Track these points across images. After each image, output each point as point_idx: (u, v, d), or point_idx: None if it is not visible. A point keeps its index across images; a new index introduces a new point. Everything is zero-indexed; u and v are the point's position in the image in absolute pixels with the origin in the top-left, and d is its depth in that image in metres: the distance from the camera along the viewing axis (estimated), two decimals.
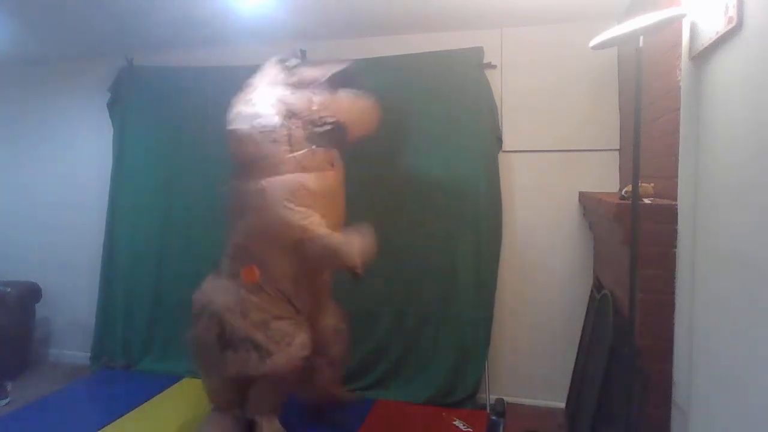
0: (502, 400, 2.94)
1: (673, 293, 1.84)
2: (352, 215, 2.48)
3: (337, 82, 2.44)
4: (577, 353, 2.82)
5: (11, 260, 3.92)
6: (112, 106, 3.62)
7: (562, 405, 2.91)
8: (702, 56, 1.62)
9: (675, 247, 1.83)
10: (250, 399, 2.38)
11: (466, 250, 3.01)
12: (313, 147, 2.29)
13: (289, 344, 2.24)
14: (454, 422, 2.70)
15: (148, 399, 2.99)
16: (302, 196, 2.22)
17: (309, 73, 2.45)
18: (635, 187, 1.74)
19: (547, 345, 3.06)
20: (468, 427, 2.66)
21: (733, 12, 1.35)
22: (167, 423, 2.75)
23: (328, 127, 2.32)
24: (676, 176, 1.83)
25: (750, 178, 1.30)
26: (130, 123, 3.58)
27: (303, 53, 3.20)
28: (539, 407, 3.04)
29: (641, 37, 1.67)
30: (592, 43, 1.81)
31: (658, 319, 1.86)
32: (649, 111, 2.14)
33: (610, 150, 2.92)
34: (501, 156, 3.06)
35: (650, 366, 1.85)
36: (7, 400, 3.16)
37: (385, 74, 3.11)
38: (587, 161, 2.96)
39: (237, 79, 2.45)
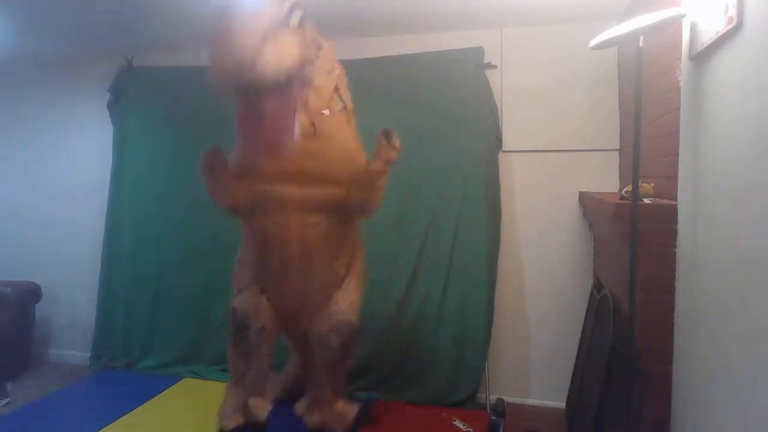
0: (502, 400, 2.94)
1: (673, 293, 1.84)
2: None
3: None
4: (577, 353, 2.82)
5: (11, 260, 3.92)
6: (112, 106, 3.62)
7: (562, 405, 2.91)
8: (702, 56, 1.62)
9: (675, 247, 1.83)
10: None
11: (465, 249, 3.01)
12: None
13: None
14: (454, 422, 2.70)
15: (148, 399, 2.99)
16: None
17: None
18: (635, 187, 1.74)
19: (547, 345, 3.06)
20: (468, 427, 2.66)
21: (733, 12, 1.35)
22: (167, 423, 2.75)
23: None
24: (676, 176, 1.83)
25: (750, 178, 1.30)
26: (130, 123, 3.57)
27: None
28: (539, 407, 3.04)
29: (641, 37, 1.68)
30: (592, 43, 1.81)
31: (658, 319, 1.86)
32: (649, 111, 2.14)
33: (610, 150, 2.92)
34: (501, 156, 3.06)
35: (650, 366, 1.85)
36: (7, 400, 3.15)
37: (385, 74, 3.11)
38: (587, 161, 2.96)
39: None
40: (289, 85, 1.76)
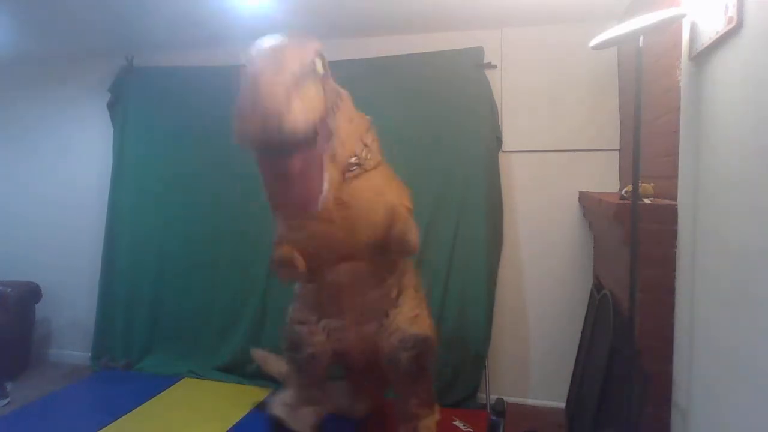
0: (502, 400, 2.94)
1: (673, 293, 1.84)
2: None
3: None
4: (577, 353, 2.82)
5: (11, 260, 3.92)
6: (112, 106, 3.62)
7: (562, 405, 2.91)
8: (702, 56, 1.62)
9: (675, 247, 1.83)
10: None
11: (466, 250, 3.01)
12: None
13: None
14: (454, 422, 2.70)
15: (148, 399, 2.99)
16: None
17: None
18: (635, 187, 1.74)
19: (547, 345, 3.06)
20: (468, 427, 2.66)
21: (733, 12, 1.35)
22: (167, 423, 2.75)
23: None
24: (676, 176, 1.83)
25: (750, 178, 1.30)
26: (130, 123, 3.57)
27: None
28: (539, 407, 3.04)
29: (641, 37, 1.68)
30: (592, 43, 1.81)
31: (658, 319, 1.86)
32: (649, 111, 2.14)
33: (610, 150, 2.92)
34: (501, 156, 3.06)
35: (650, 366, 1.85)
36: (7, 400, 3.15)
37: (385, 74, 3.11)
38: (587, 161, 2.96)
39: (237, 79, 2.43)
40: (315, 140, 1.66)
